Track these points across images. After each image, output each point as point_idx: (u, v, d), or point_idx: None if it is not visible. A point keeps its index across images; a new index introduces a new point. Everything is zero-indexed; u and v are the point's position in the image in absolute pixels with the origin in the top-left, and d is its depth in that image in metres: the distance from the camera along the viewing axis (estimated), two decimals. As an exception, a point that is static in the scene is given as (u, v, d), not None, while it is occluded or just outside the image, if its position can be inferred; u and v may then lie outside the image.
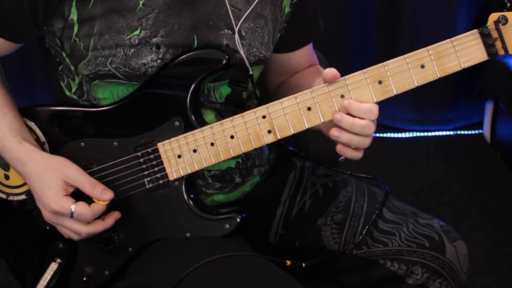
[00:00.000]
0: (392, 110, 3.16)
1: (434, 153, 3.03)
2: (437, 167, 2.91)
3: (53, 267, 1.29)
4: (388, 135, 3.17)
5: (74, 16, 1.21)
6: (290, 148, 1.55)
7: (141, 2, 1.21)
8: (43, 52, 1.33)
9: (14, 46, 1.30)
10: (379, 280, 1.36)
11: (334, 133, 1.17)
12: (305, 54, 1.48)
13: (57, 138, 1.29)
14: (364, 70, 1.17)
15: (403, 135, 3.18)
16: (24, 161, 1.22)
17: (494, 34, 1.13)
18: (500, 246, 2.41)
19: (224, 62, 1.22)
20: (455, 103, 3.17)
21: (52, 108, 1.32)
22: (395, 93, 1.17)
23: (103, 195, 1.21)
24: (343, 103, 1.16)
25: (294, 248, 1.42)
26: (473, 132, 3.18)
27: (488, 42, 1.13)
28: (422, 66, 1.15)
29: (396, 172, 2.87)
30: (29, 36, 1.27)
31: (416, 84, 1.16)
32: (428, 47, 1.15)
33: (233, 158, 1.27)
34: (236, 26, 1.27)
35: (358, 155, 1.20)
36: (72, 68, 1.27)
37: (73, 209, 1.19)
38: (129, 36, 1.22)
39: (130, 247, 1.29)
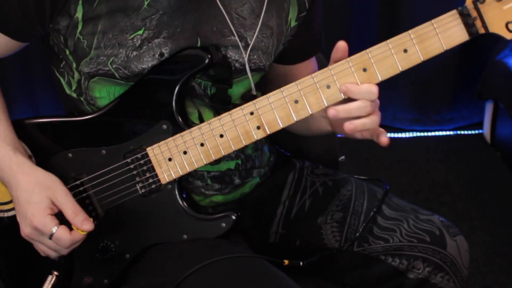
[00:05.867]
0: (392, 110, 3.15)
1: (434, 153, 3.02)
2: (437, 167, 2.90)
3: (50, 280, 1.27)
4: (388, 135, 3.12)
5: (79, 14, 1.21)
6: (288, 154, 1.55)
7: (146, 3, 1.21)
8: (47, 50, 1.32)
9: (17, 45, 1.28)
10: (380, 276, 1.36)
11: (349, 126, 1.17)
12: (306, 68, 1.46)
13: (44, 151, 1.27)
14: (348, 59, 1.16)
15: (403, 135, 3.17)
16: (15, 171, 1.21)
17: (473, 13, 1.12)
18: (500, 246, 2.40)
19: (206, 61, 1.22)
20: (455, 103, 3.16)
21: (36, 120, 1.31)
22: (380, 79, 1.16)
23: (82, 225, 1.18)
24: (342, 89, 1.16)
25: (295, 247, 1.42)
26: (473, 132, 3.17)
27: (468, 22, 1.12)
28: (405, 51, 1.14)
29: (396, 172, 2.86)
30: (33, 34, 1.26)
31: (400, 69, 1.15)
32: (410, 31, 1.14)
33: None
34: (252, 37, 1.28)
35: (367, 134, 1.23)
36: (74, 65, 1.26)
37: (53, 231, 1.18)
38: (132, 36, 1.22)
39: (127, 254, 1.28)
